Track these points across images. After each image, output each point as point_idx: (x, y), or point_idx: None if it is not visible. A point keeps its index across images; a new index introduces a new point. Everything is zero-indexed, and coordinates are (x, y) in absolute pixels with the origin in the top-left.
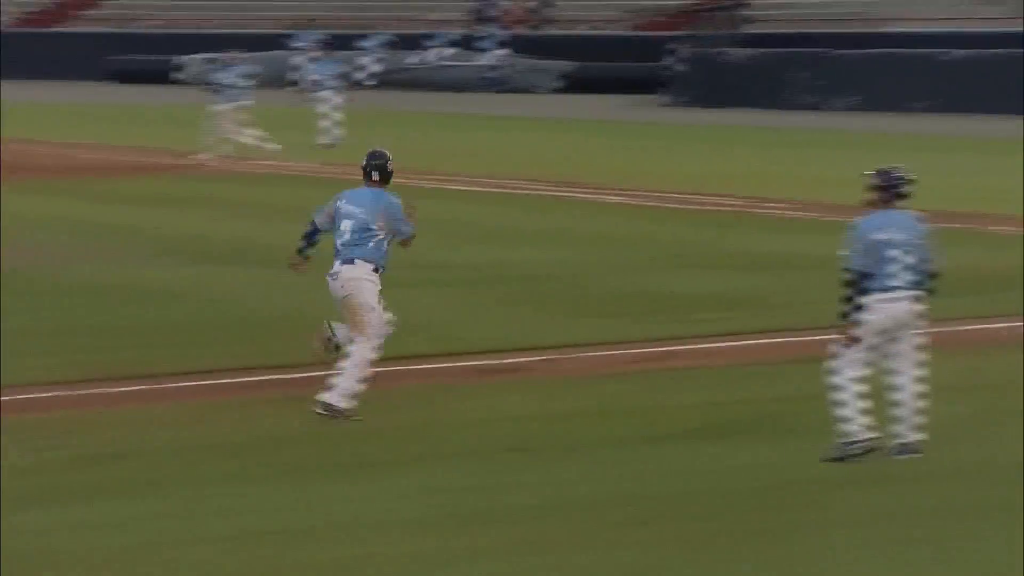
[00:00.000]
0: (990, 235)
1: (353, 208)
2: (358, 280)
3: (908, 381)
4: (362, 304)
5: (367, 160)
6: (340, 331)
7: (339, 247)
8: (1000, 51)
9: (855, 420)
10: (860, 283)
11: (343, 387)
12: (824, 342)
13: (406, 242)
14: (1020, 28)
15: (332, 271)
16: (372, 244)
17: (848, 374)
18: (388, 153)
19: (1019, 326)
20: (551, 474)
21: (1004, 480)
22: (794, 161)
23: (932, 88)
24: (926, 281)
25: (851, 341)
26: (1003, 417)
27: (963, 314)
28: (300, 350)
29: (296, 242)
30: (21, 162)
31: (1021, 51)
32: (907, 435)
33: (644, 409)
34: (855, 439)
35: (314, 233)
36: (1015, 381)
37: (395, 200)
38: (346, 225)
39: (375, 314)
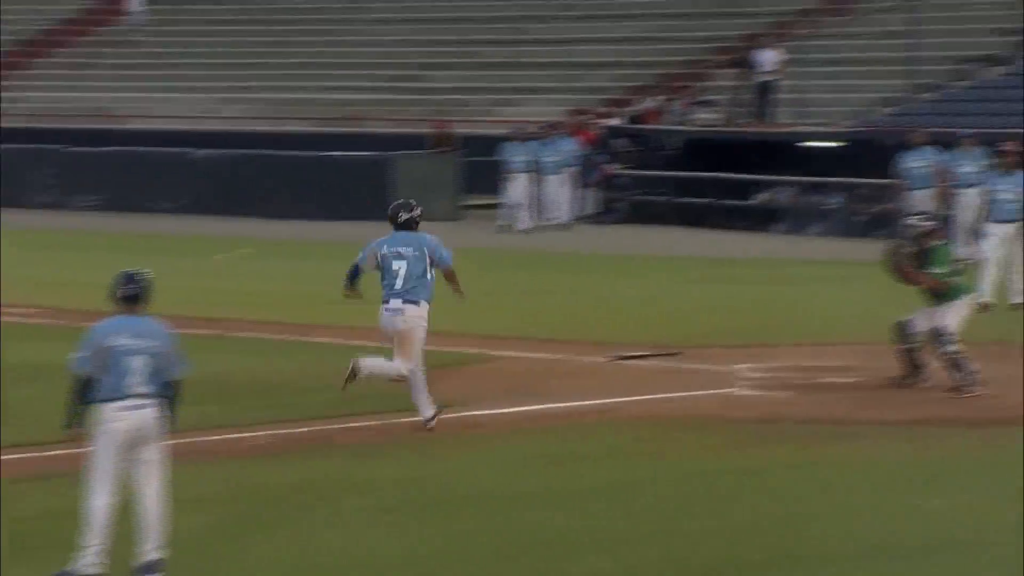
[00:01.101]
0: (243, 340)
1: (401, 250)
2: (420, 319)
3: (152, 494)
4: (416, 340)
5: (396, 210)
6: (365, 363)
7: (397, 287)
8: (249, 151)
9: (88, 551)
10: (87, 390)
11: (424, 402)
12: (61, 457)
13: (450, 275)
14: (265, 127)
15: (390, 306)
16: (429, 284)
17: (98, 501)
18: (413, 202)
19: (247, 435)
20: None
21: None
22: (36, 263)
23: (179, 188)
24: (169, 389)
25: (79, 441)
26: (250, 527)
27: (214, 423)
28: None
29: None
30: None
31: (258, 152)
32: (151, 553)
33: None
34: (79, 572)
35: (356, 273)
36: (257, 490)
37: (434, 237)
38: (399, 266)
39: (423, 344)
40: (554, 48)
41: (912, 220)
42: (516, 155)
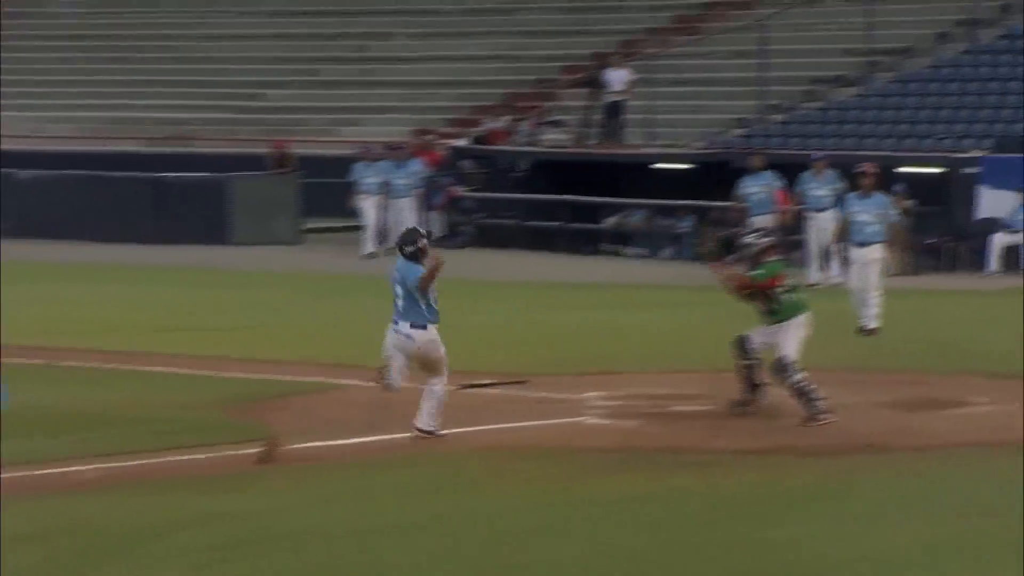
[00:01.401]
0: (72, 370)
1: (397, 277)
2: (431, 341)
3: None
4: (436, 358)
5: (400, 241)
6: (393, 375)
7: (400, 309)
8: (78, 172)
9: None
10: None
11: (427, 412)
12: None
13: (423, 283)
14: (95, 146)
15: (399, 328)
16: (425, 308)
17: None
18: (422, 230)
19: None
20: None
21: None
22: None
23: (3, 210)
24: None
25: None
26: (81, 563)
27: (42, 457)
28: None
29: None
30: None
31: (87, 172)
32: None
33: None
34: None
35: None
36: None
37: (418, 272)
38: (398, 291)
39: (444, 361)
40: (397, 66)
41: (749, 239)
42: (367, 176)
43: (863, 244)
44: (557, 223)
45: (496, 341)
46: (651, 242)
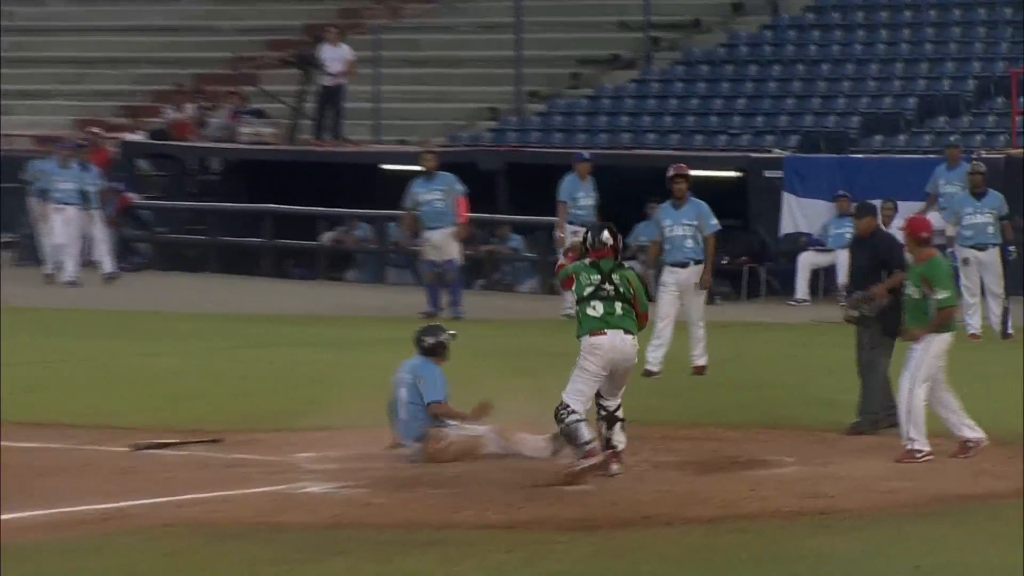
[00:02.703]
0: None
1: (405, 378)
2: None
3: None
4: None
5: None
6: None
7: (400, 419)
8: None
9: None
10: None
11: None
12: None
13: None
14: None
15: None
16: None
17: None
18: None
19: None
20: None
21: None
22: None
23: None
24: None
25: None
26: None
27: None
28: None
29: None
30: None
31: None
32: None
33: None
34: None
35: None
36: None
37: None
38: (401, 396)
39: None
40: (54, 39)
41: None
42: (58, 181)
43: (682, 264)
44: (259, 239)
45: (182, 389)
46: (379, 262)
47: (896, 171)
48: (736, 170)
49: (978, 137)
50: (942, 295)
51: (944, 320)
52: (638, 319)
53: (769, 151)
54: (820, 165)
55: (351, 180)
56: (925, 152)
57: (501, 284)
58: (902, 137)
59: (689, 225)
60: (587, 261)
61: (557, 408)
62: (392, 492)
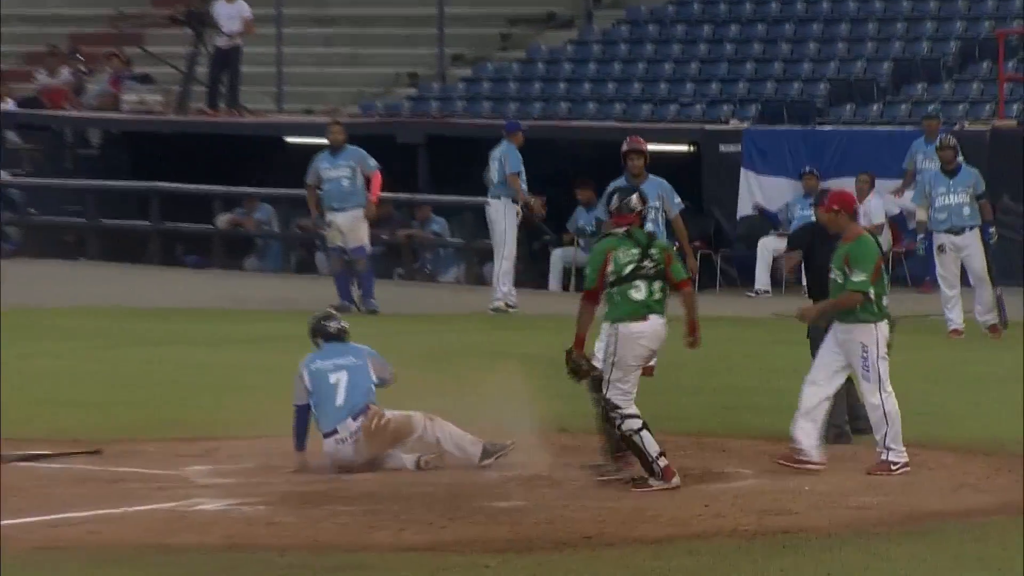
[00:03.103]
0: None
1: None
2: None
3: None
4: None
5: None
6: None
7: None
8: None
9: None
10: None
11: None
12: None
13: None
14: None
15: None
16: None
17: None
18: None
19: None
20: None
21: None
22: None
23: None
24: None
25: None
26: None
27: None
28: None
29: None
30: None
31: None
32: None
33: None
34: None
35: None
36: None
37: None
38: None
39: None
40: None
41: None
42: None
43: None
44: (146, 222)
45: (56, 394)
46: (284, 247)
47: (869, 145)
48: (688, 144)
49: (961, 107)
50: (859, 277)
51: (845, 305)
52: (682, 288)
53: (725, 122)
54: (783, 138)
55: (250, 155)
56: (901, 124)
57: (422, 273)
58: (875, 107)
59: (649, 207)
60: (620, 231)
61: (606, 412)
62: (297, 509)
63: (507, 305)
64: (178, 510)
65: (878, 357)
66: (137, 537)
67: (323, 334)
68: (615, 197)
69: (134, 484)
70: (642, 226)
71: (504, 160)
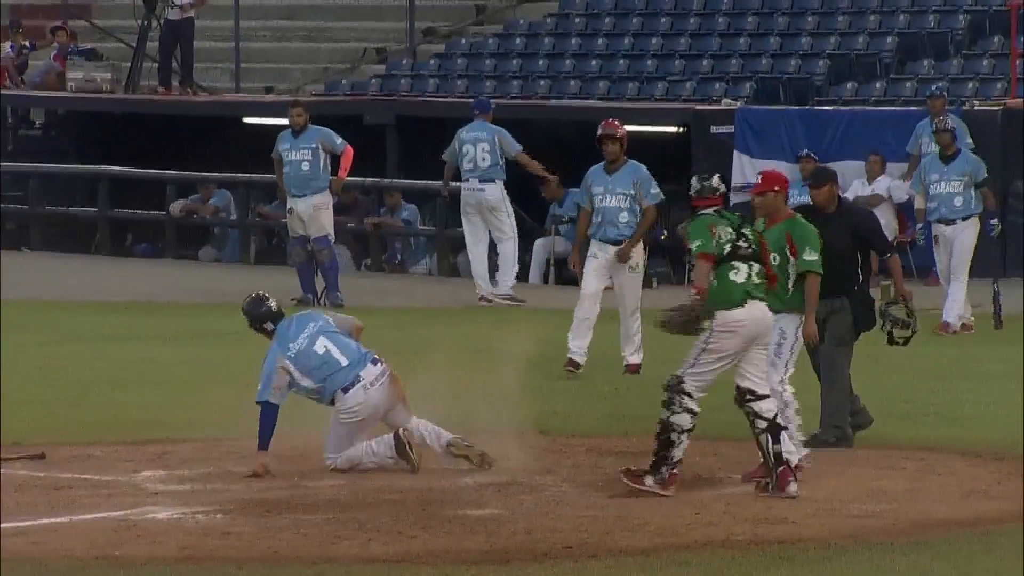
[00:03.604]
0: None
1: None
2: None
3: None
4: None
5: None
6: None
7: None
8: None
9: None
10: None
11: None
12: None
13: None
14: None
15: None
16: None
17: None
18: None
19: None
20: None
21: None
22: None
23: None
24: None
25: None
26: None
27: None
28: None
29: None
30: None
31: None
32: None
33: None
34: None
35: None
36: None
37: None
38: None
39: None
40: None
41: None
42: None
43: (614, 242)
44: (93, 209)
45: None
46: (242, 236)
47: (871, 126)
48: (677, 125)
49: (970, 84)
50: (811, 256)
51: (816, 291)
52: (768, 280)
53: (717, 102)
54: (779, 119)
55: (206, 137)
56: (906, 103)
57: (391, 264)
58: (878, 85)
59: (624, 195)
60: (714, 211)
61: (669, 388)
62: (256, 518)
63: (515, 299)
64: (128, 519)
65: (792, 348)
66: (84, 549)
67: (271, 316)
68: (695, 180)
69: (80, 491)
70: (727, 207)
71: (500, 140)
